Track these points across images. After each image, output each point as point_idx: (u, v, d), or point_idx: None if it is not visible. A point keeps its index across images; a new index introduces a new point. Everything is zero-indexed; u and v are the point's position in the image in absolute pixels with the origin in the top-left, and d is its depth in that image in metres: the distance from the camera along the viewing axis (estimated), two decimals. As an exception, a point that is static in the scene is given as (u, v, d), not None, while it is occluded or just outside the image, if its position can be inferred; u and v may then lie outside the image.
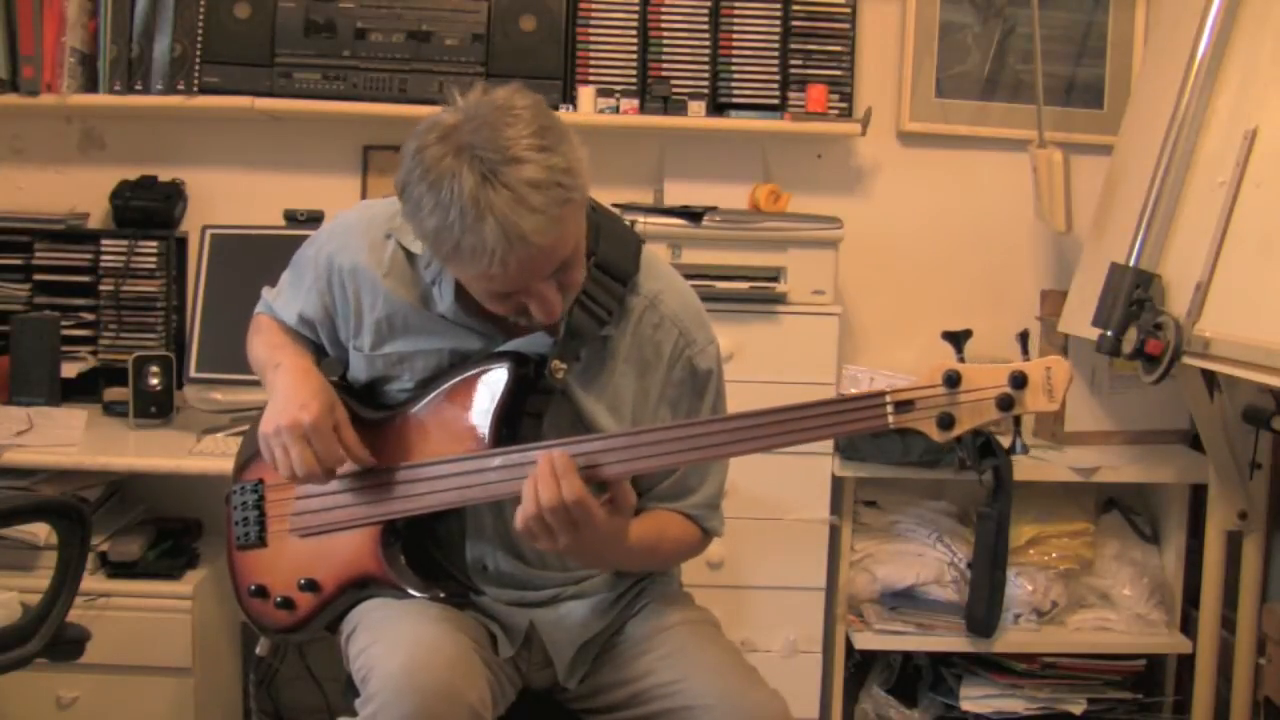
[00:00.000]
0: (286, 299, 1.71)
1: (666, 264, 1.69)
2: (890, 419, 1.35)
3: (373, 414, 1.62)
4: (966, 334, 1.36)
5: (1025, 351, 1.34)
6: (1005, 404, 1.31)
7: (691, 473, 1.66)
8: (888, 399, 1.35)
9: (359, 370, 1.66)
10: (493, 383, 1.53)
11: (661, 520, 1.64)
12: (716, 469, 1.70)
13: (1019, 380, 1.31)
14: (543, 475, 1.40)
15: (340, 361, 1.71)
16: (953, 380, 1.33)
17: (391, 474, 1.57)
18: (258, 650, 1.84)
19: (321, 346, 1.71)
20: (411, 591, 1.55)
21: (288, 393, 1.54)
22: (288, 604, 1.63)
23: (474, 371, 1.55)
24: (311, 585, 1.61)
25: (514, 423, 1.54)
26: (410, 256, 1.59)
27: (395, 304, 1.60)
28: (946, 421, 1.33)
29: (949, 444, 1.34)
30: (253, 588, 1.67)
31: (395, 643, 1.45)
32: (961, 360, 1.35)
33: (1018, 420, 1.32)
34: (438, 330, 1.59)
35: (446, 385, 1.57)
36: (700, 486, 1.67)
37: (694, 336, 1.64)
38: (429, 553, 1.63)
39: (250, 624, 1.72)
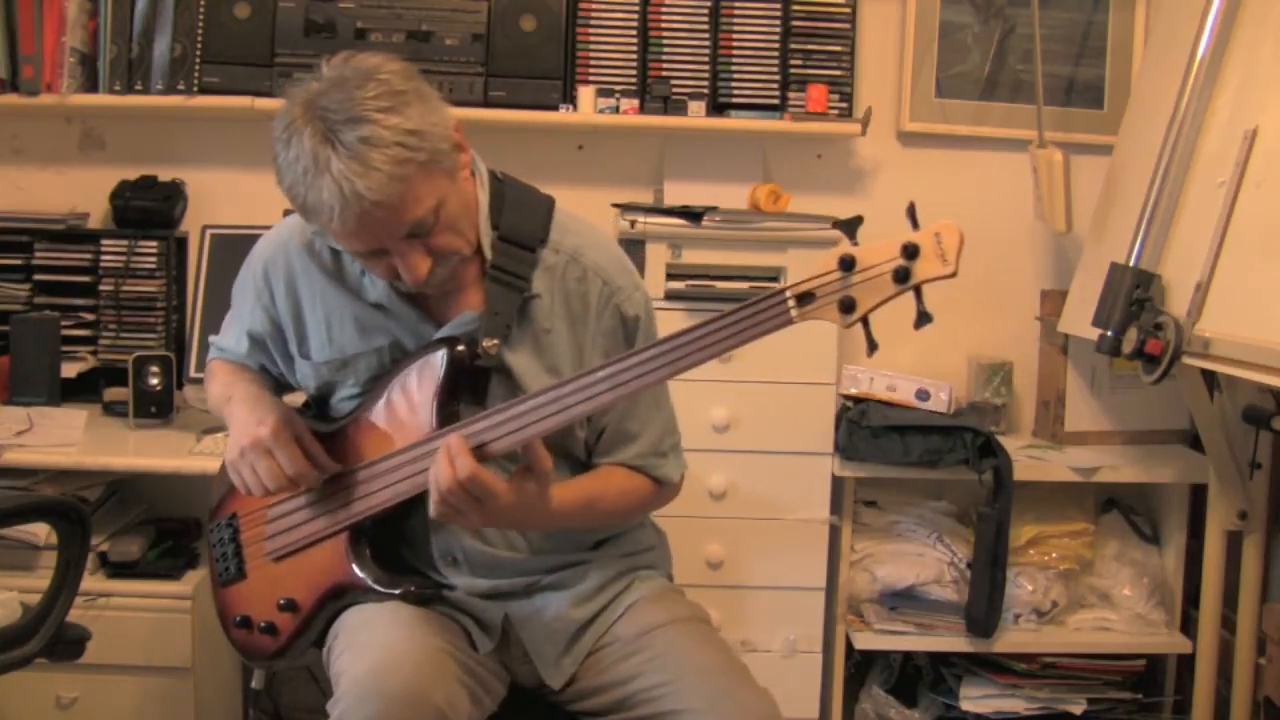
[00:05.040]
0: (232, 330, 1.75)
1: (585, 221, 1.70)
2: (793, 313, 1.34)
3: (326, 426, 1.65)
4: (858, 220, 1.35)
5: (914, 223, 1.32)
6: (901, 276, 1.30)
7: (628, 420, 1.66)
8: (788, 294, 1.34)
9: (307, 380, 1.69)
10: (430, 370, 1.55)
11: (603, 474, 1.65)
12: (655, 415, 1.69)
13: (911, 251, 1.30)
14: (437, 461, 1.42)
15: (293, 382, 1.73)
16: (847, 263, 1.32)
17: (349, 479, 1.59)
18: (253, 684, 1.86)
19: (278, 381, 1.75)
20: (381, 589, 1.57)
21: (244, 418, 1.59)
22: (270, 629, 1.66)
23: (412, 364, 1.58)
24: (290, 605, 1.63)
25: (457, 404, 1.55)
26: (336, 253, 1.62)
27: (332, 301, 1.63)
28: (848, 305, 1.32)
29: (852, 325, 1.32)
30: (237, 619, 1.70)
31: (364, 647, 1.48)
32: (855, 244, 1.33)
33: (918, 292, 1.31)
34: (376, 325, 1.62)
35: (389, 382, 1.60)
36: (641, 434, 1.67)
37: (619, 284, 1.65)
38: (399, 554, 1.64)
39: (240, 656, 1.74)
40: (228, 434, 1.63)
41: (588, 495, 1.62)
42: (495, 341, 1.55)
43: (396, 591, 1.57)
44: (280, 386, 1.75)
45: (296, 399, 1.74)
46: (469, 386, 1.56)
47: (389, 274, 1.51)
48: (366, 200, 1.38)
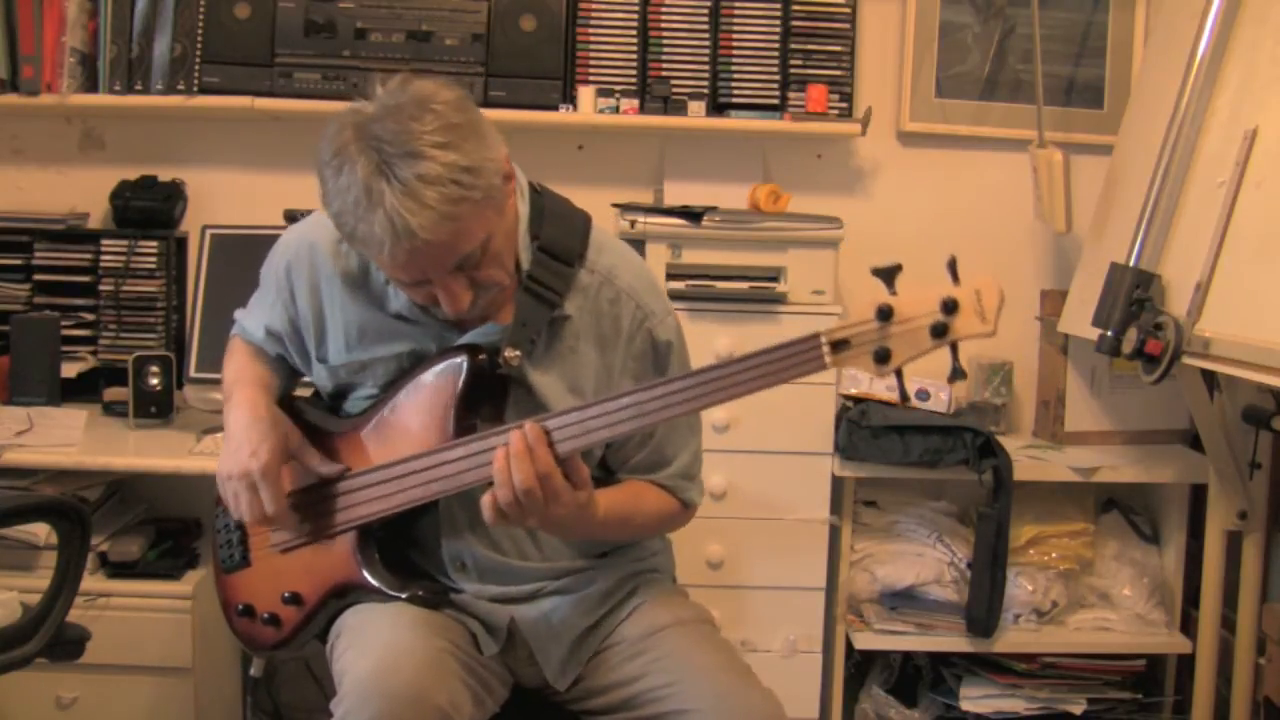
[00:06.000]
0: (254, 316, 1.74)
1: (619, 240, 1.71)
2: (827, 359, 1.33)
3: (340, 424, 1.64)
4: (897, 268, 1.33)
5: (955, 278, 1.30)
6: (939, 331, 1.29)
7: (667, 444, 1.66)
8: (823, 339, 1.33)
9: (323, 381, 1.68)
10: (450, 376, 1.55)
11: (638, 491, 1.65)
12: (691, 440, 1.70)
13: (950, 306, 1.28)
14: (517, 452, 1.39)
15: (308, 376, 1.72)
16: (885, 313, 1.31)
17: (361, 479, 1.58)
18: (252, 671, 1.86)
19: (293, 370, 1.73)
20: (388, 591, 1.57)
21: (239, 436, 1.57)
22: (274, 620, 1.65)
23: (431, 369, 1.57)
24: (295, 598, 1.63)
25: (475, 414, 1.55)
26: (364, 260, 1.61)
27: (354, 310, 1.62)
28: (883, 355, 1.31)
29: (886, 376, 1.31)
30: (240, 608, 1.70)
31: (367, 647, 1.48)
32: (894, 294, 1.32)
33: (954, 347, 1.30)
34: (397, 333, 1.61)
35: (407, 386, 1.59)
36: (677, 457, 1.67)
37: (652, 308, 1.64)
38: (407, 556, 1.64)
39: (241, 644, 1.73)
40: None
41: (626, 509, 1.62)
42: (517, 353, 1.54)
43: (403, 595, 1.57)
44: (294, 373, 1.74)
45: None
46: (488, 397, 1.55)
47: (429, 301, 1.49)
48: (419, 238, 1.36)
